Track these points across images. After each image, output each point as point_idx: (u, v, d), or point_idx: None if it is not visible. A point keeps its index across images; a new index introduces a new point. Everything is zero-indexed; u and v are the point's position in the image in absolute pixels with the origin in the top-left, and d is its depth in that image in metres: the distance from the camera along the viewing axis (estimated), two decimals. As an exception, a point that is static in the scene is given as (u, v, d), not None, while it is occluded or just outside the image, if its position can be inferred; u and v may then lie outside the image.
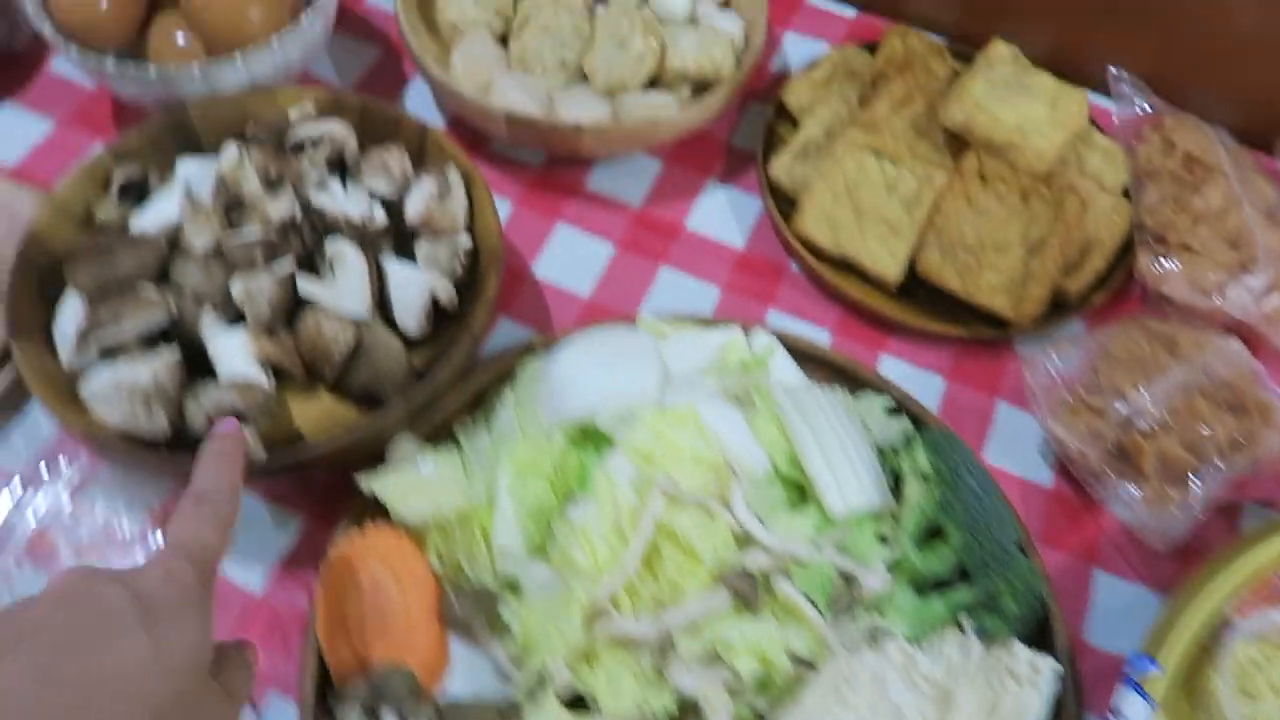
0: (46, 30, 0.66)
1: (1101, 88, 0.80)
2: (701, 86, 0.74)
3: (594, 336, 0.62)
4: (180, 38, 0.70)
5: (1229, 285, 0.68)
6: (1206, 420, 0.60)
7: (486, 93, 0.73)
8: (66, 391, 0.57)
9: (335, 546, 0.55)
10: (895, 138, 0.71)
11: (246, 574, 0.59)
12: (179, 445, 0.57)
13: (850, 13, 0.88)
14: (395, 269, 0.61)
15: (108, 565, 0.38)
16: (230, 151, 0.61)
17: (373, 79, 0.80)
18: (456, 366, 0.58)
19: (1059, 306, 0.69)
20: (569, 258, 0.72)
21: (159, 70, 0.65)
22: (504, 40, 0.77)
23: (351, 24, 0.83)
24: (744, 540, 0.54)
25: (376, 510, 0.55)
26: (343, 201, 0.63)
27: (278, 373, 0.60)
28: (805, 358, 0.64)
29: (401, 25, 0.73)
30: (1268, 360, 0.65)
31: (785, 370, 0.63)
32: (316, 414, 0.61)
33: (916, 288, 0.70)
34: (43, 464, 0.62)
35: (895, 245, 0.69)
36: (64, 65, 0.78)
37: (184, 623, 0.37)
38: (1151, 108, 0.76)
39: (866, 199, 0.70)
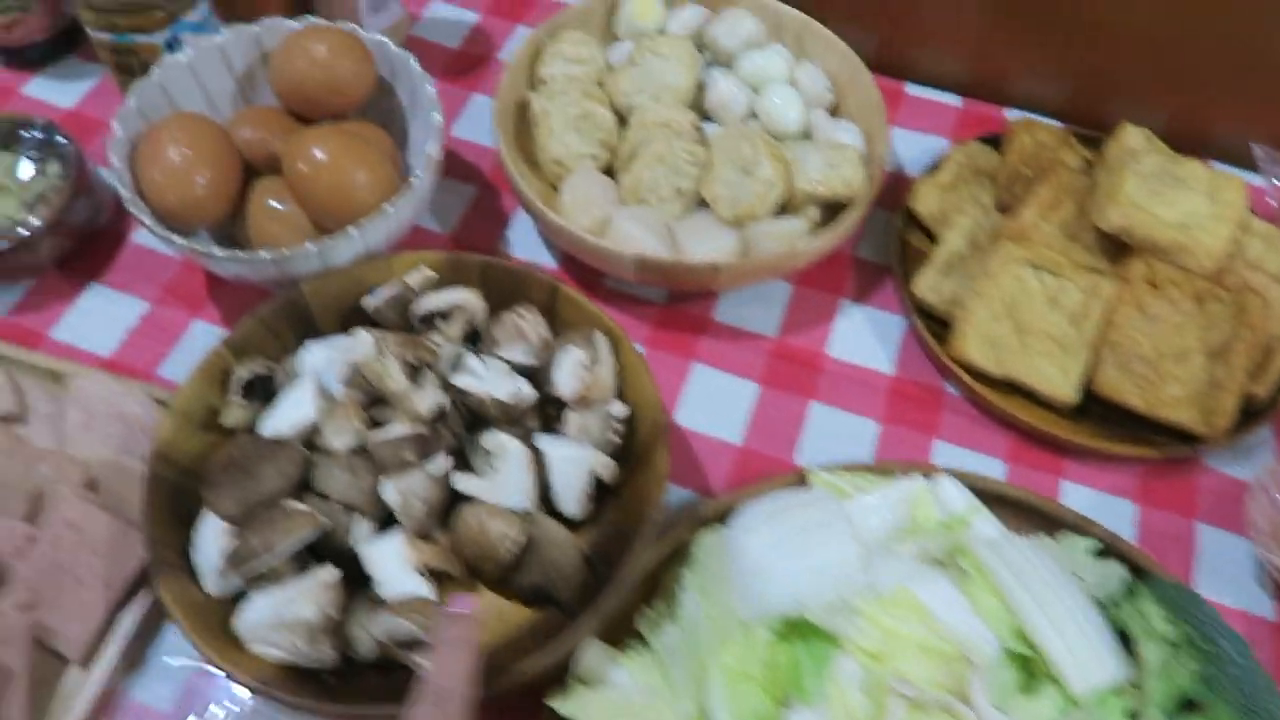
0: (147, 220, 0.61)
1: (1231, 163, 0.76)
2: (830, 204, 0.70)
3: (772, 505, 0.56)
4: (282, 210, 0.65)
5: None
6: None
7: (602, 231, 0.68)
8: (216, 624, 0.52)
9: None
10: (1050, 247, 0.66)
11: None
12: (343, 673, 0.52)
13: (955, 101, 0.84)
14: (554, 451, 0.56)
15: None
16: (364, 341, 0.57)
17: (472, 220, 0.75)
18: (641, 562, 0.53)
19: (1247, 413, 0.65)
20: (710, 401, 0.67)
21: (274, 254, 0.60)
22: (609, 172, 0.72)
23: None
24: (989, 737, 0.49)
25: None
26: (487, 382, 0.58)
27: (434, 574, 0.54)
28: (992, 499, 0.59)
29: (508, 168, 0.68)
30: None
31: (982, 521, 0.57)
32: (483, 614, 0.56)
33: (1088, 404, 0.65)
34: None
35: (1066, 363, 0.64)
36: (148, 238, 0.73)
37: None
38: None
39: (1028, 316, 0.65)
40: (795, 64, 0.76)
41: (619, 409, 0.59)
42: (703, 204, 0.70)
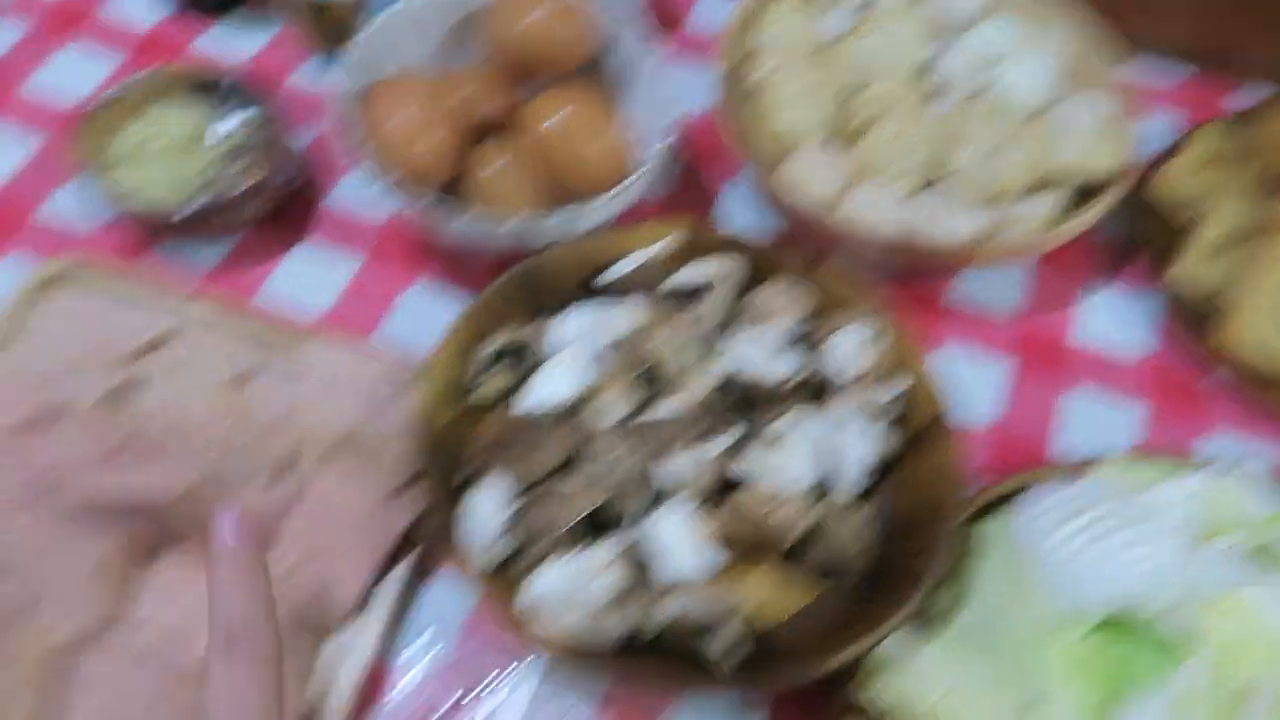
0: (382, 184, 0.58)
1: None
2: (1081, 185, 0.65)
3: (1062, 496, 0.53)
4: (507, 175, 0.62)
5: None
6: None
7: (833, 208, 0.65)
8: (495, 598, 0.49)
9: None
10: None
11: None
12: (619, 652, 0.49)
13: (1182, 72, 0.79)
14: (834, 433, 0.53)
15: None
16: (633, 314, 0.53)
17: (681, 193, 0.72)
18: (948, 550, 0.50)
19: None
20: (953, 387, 0.63)
21: (516, 222, 0.57)
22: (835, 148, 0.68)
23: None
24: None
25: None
26: (757, 359, 0.54)
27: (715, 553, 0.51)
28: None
29: (734, 140, 0.64)
30: None
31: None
32: (765, 591, 0.53)
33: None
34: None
35: (1355, 363, 0.60)
36: (345, 199, 0.70)
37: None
38: None
39: (1312, 309, 0.61)
40: (1029, 35, 0.71)
41: (893, 389, 0.55)
42: (938, 183, 0.66)
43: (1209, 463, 0.56)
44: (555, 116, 0.59)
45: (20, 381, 0.57)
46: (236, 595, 0.35)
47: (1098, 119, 0.67)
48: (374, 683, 0.53)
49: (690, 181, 0.72)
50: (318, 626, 0.52)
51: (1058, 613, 0.49)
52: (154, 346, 0.59)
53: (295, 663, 0.50)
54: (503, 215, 0.59)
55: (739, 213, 0.71)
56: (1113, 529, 0.50)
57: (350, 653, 0.52)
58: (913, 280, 0.68)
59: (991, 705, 0.47)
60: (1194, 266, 0.64)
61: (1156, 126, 0.75)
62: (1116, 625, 0.48)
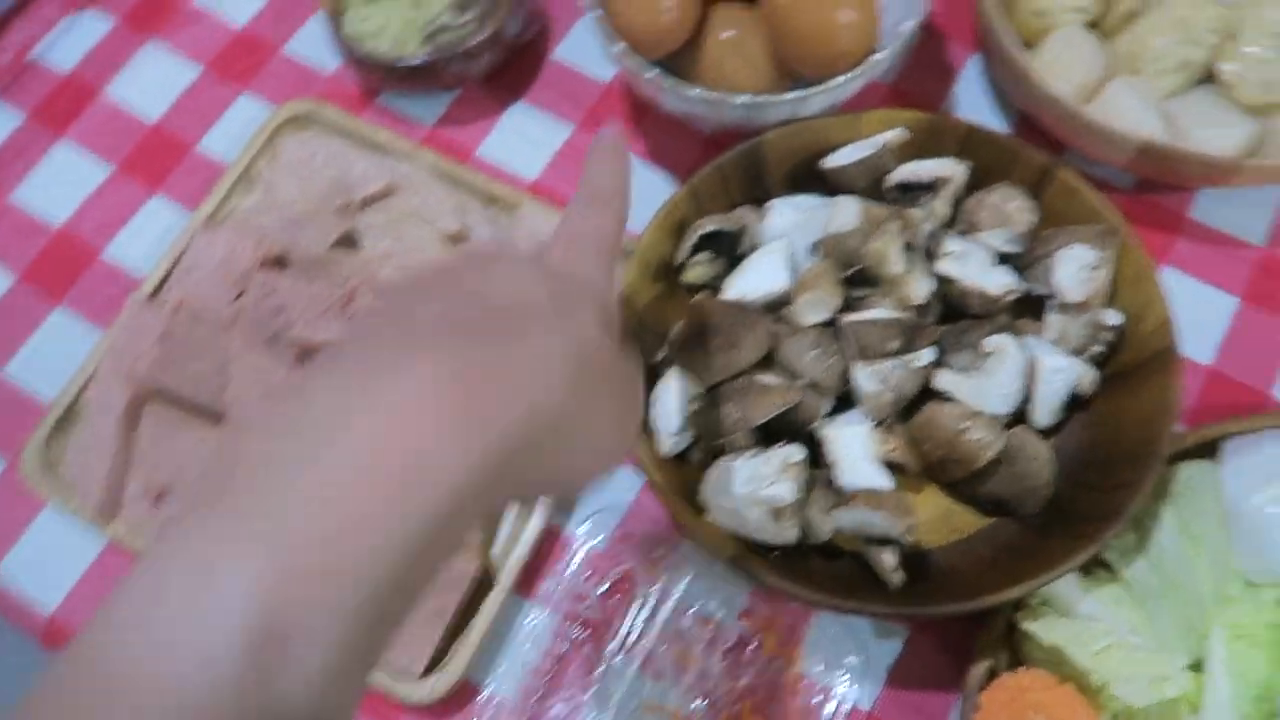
0: (618, 49, 0.57)
1: None
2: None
3: (1273, 448, 0.50)
4: (743, 45, 0.59)
5: None
6: None
7: (1088, 101, 0.60)
8: (676, 484, 0.52)
9: (991, 688, 0.48)
10: None
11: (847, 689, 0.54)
12: (790, 552, 0.51)
13: None
14: (1048, 360, 0.51)
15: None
16: (850, 210, 0.52)
17: (912, 70, 0.68)
18: (1142, 495, 0.48)
19: None
20: (1182, 312, 0.58)
21: (748, 99, 0.55)
22: (1098, 31, 0.63)
23: None
24: None
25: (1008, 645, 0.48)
26: (973, 270, 0.52)
27: (891, 467, 0.52)
28: None
29: (988, 13, 0.59)
30: None
31: None
32: (930, 514, 0.54)
33: None
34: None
35: None
36: (572, 55, 0.70)
37: (591, 280, 0.34)
38: None
39: None
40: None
41: (1113, 317, 0.53)
42: (1207, 81, 0.60)
43: None
44: (797, -19, 0.56)
45: (262, 223, 0.61)
46: (605, 168, 0.38)
47: None
48: (549, 546, 0.56)
49: (928, 59, 0.68)
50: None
51: (1244, 576, 0.47)
52: (383, 195, 0.62)
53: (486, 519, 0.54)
54: (732, 89, 0.57)
55: (974, 100, 0.66)
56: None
57: (528, 514, 0.56)
58: (1155, 190, 0.63)
59: (1153, 664, 0.46)
60: None
61: None
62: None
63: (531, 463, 0.29)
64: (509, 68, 0.69)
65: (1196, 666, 0.48)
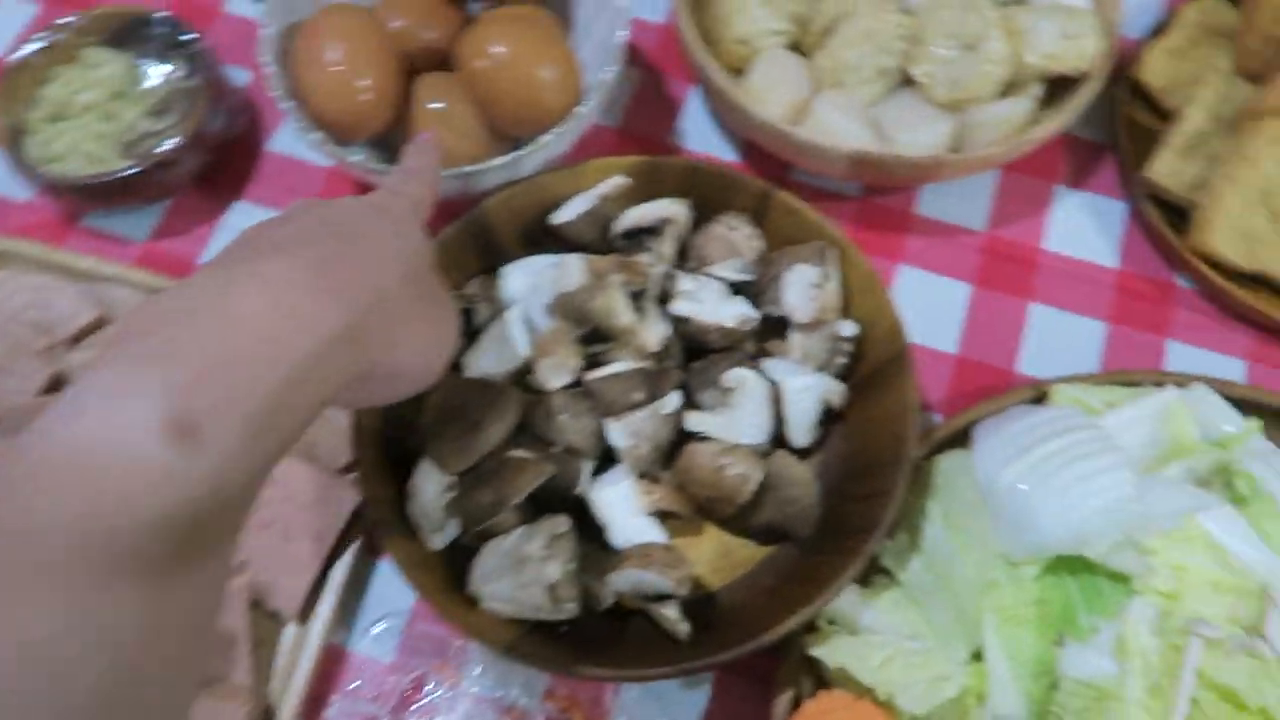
0: (314, 137, 0.55)
1: None
2: (1055, 80, 0.62)
3: (1018, 427, 0.52)
4: (451, 114, 0.58)
5: None
6: None
7: (798, 119, 0.61)
8: (444, 580, 0.49)
9: (794, 718, 0.48)
10: (1312, 120, 0.59)
11: (664, 744, 0.52)
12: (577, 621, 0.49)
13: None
14: (790, 381, 0.52)
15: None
16: (575, 267, 0.51)
17: (638, 109, 0.68)
18: (896, 502, 0.49)
19: None
20: (920, 306, 0.61)
21: (459, 170, 0.54)
22: (798, 50, 0.64)
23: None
24: (1287, 675, 0.46)
25: (810, 668, 0.48)
26: (708, 306, 0.53)
27: (662, 515, 0.52)
28: (1249, 407, 0.54)
29: (691, 50, 0.60)
30: None
31: (1253, 437, 0.53)
32: (711, 553, 0.54)
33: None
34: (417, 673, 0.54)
35: (1330, 255, 0.58)
36: (288, 145, 0.67)
37: (412, 220, 0.41)
38: None
39: (1288, 202, 0.58)
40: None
41: (848, 328, 0.54)
42: (906, 84, 0.63)
43: (1173, 377, 0.55)
44: (497, 44, 0.55)
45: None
46: (419, 155, 0.46)
47: (1080, 2, 0.63)
48: (330, 667, 0.53)
49: (649, 97, 0.69)
50: (272, 616, 0.53)
51: (1008, 556, 0.49)
52: (95, 327, 0.57)
53: (257, 654, 0.51)
54: (450, 160, 0.56)
55: (701, 131, 0.67)
56: (1067, 462, 0.49)
57: (305, 639, 0.52)
58: (881, 193, 0.65)
59: (932, 666, 0.47)
60: (1172, 162, 0.61)
61: (1139, 7, 0.70)
62: (1068, 564, 0.48)
63: (378, 337, 0.35)
64: (223, 167, 0.65)
65: (979, 656, 0.49)
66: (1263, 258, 0.59)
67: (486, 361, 0.52)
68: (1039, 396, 0.55)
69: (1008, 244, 0.63)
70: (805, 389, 0.52)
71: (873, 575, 0.52)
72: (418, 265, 0.39)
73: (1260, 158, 0.58)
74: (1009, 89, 0.61)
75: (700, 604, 0.51)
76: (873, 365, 0.54)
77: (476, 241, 0.56)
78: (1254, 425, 0.52)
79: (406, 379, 0.39)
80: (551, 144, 0.55)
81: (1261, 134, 0.58)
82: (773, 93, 0.61)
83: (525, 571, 0.47)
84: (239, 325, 0.30)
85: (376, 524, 0.49)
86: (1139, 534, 0.48)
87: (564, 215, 0.56)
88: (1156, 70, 0.64)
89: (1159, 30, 0.66)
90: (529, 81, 0.55)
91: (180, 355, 0.28)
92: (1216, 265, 0.59)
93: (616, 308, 0.50)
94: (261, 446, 0.29)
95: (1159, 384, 0.55)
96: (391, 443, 0.52)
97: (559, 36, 0.59)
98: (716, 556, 0.53)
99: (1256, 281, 0.60)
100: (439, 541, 0.50)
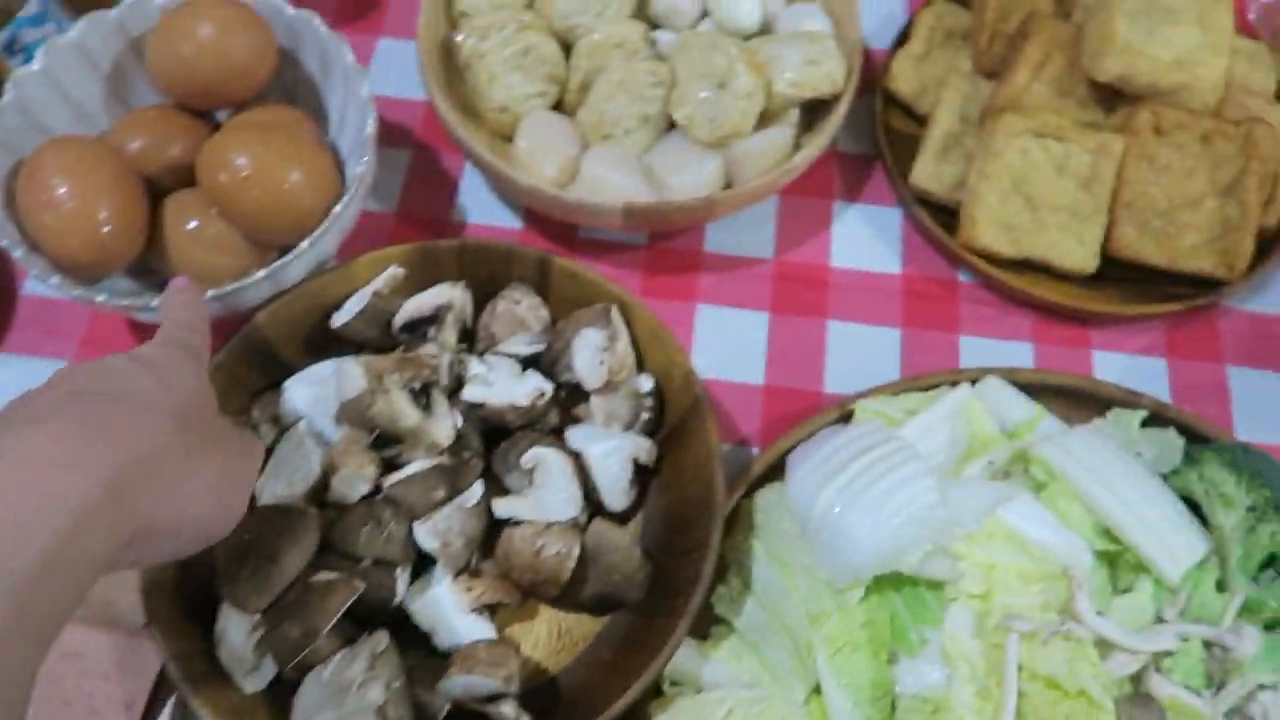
0: (52, 281, 0.52)
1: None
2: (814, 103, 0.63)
3: (825, 450, 0.53)
4: (205, 231, 0.56)
5: None
6: None
7: (571, 178, 0.61)
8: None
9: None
10: (1047, 108, 0.62)
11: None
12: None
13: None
14: (593, 448, 0.51)
15: None
16: (354, 374, 0.49)
17: (414, 189, 0.67)
18: (714, 552, 0.49)
19: (1260, 247, 0.63)
20: (723, 342, 0.62)
21: (218, 290, 0.52)
22: (561, 108, 0.65)
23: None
24: (1102, 646, 0.48)
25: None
26: (500, 387, 0.52)
27: (489, 607, 0.50)
28: (1038, 390, 0.57)
29: (452, 129, 0.59)
30: None
31: (1042, 421, 0.55)
32: (547, 635, 0.52)
33: (1104, 267, 0.62)
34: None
35: (1082, 232, 0.61)
36: (44, 286, 0.63)
37: (183, 368, 0.40)
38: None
39: (1038, 188, 0.61)
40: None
41: (645, 383, 0.54)
42: (673, 127, 0.63)
43: (965, 374, 0.57)
44: (240, 155, 0.53)
45: None
46: (180, 303, 0.44)
47: (822, 28, 0.65)
48: None
49: (425, 175, 0.67)
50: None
51: (832, 583, 0.49)
52: None
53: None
54: (214, 280, 0.53)
55: (482, 203, 0.67)
56: (874, 479, 0.50)
57: None
58: (667, 239, 0.65)
59: (775, 711, 0.47)
60: (931, 166, 0.64)
61: (882, 16, 0.73)
62: (891, 580, 0.49)
63: (147, 497, 0.34)
64: (-23, 315, 0.61)
65: (820, 689, 0.49)
66: (1026, 244, 0.61)
67: (278, 485, 0.50)
68: (845, 416, 0.56)
69: (796, 267, 0.65)
70: (610, 453, 0.52)
71: (712, 626, 0.52)
72: (194, 413, 0.38)
73: (1005, 151, 0.61)
74: (768, 118, 0.62)
75: (540, 692, 0.50)
76: (676, 415, 0.54)
77: (255, 359, 0.54)
78: (1039, 411, 0.55)
79: (202, 528, 0.37)
80: (312, 248, 0.53)
81: (1002, 129, 0.61)
82: (541, 156, 0.61)
83: (347, 701, 0.45)
84: None
85: (180, 681, 0.46)
86: (947, 539, 0.49)
87: (342, 317, 0.54)
88: (904, 78, 0.67)
89: (903, 39, 0.69)
90: (278, 189, 0.53)
91: None
92: (989, 257, 0.62)
93: (398, 410, 0.48)
94: (24, 627, 0.28)
95: (954, 383, 0.57)
96: (192, 590, 0.49)
97: (308, 134, 0.58)
98: (553, 637, 0.52)
99: (1028, 265, 0.63)
100: (257, 683, 0.48)
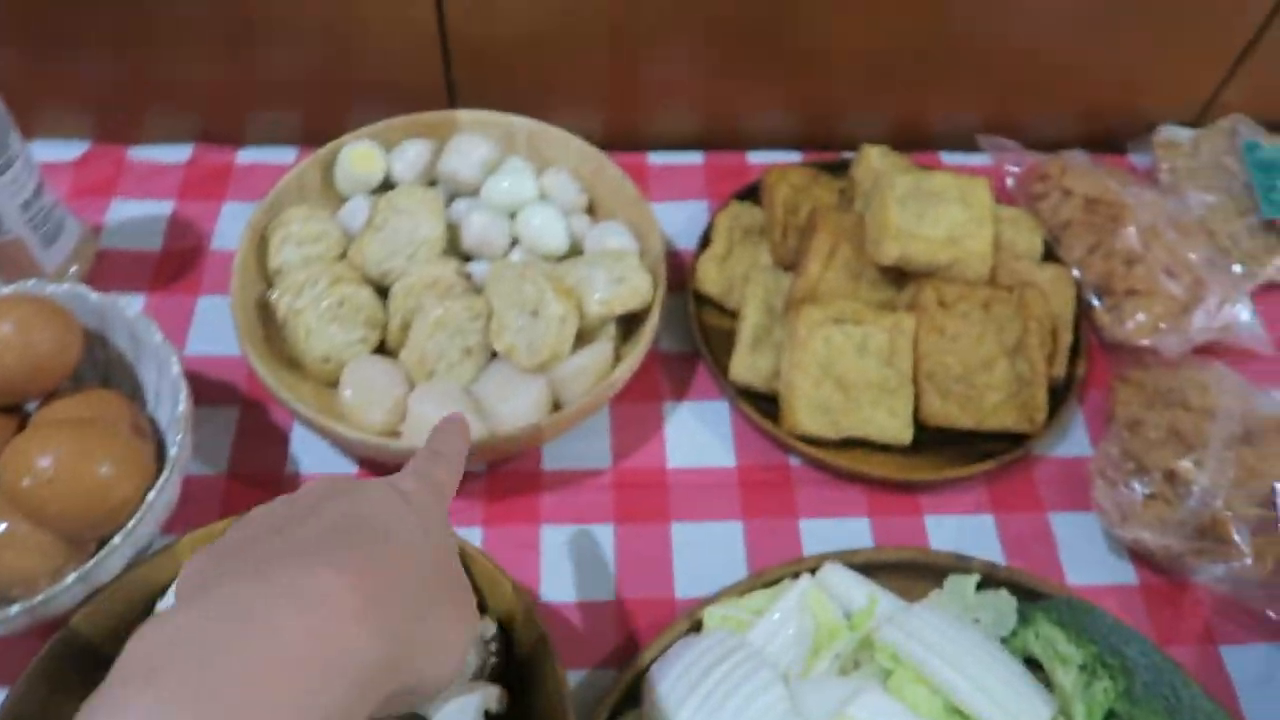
0: None
1: (956, 148, 0.81)
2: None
3: (680, 667, 0.53)
4: (9, 533, 0.53)
5: (1187, 314, 0.69)
6: (1259, 469, 0.61)
7: (399, 421, 0.62)
8: None
9: None
10: (841, 295, 0.67)
11: None
12: None
13: (697, 158, 0.83)
14: (444, 709, 0.50)
15: None
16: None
17: (244, 447, 0.66)
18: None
19: (1053, 396, 0.68)
20: (571, 562, 0.63)
21: (24, 603, 0.49)
22: (385, 350, 0.66)
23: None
24: (967, 836, 0.49)
25: None
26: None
27: None
28: (876, 569, 0.59)
29: (272, 389, 0.60)
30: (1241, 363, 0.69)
31: (882, 603, 0.57)
32: None
33: (923, 434, 0.66)
34: None
35: (894, 405, 0.65)
36: None
37: (436, 508, 0.39)
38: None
39: (846, 371, 0.65)
40: (539, 175, 0.72)
41: (488, 629, 0.53)
42: (496, 355, 0.65)
43: (805, 564, 0.58)
44: (43, 456, 0.52)
45: None
46: (446, 436, 0.45)
47: (626, 243, 0.69)
48: None
49: (255, 432, 0.67)
50: None
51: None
52: None
53: None
54: (16, 586, 0.51)
55: (312, 452, 0.66)
56: (729, 693, 0.50)
57: None
58: (504, 463, 0.66)
59: None
60: (746, 359, 0.67)
61: (686, 218, 0.78)
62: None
63: (416, 656, 0.32)
64: None
65: None
66: (844, 424, 0.65)
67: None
68: (696, 624, 0.57)
69: (635, 473, 0.66)
70: (459, 709, 0.50)
71: None
72: (443, 562, 0.37)
73: (810, 340, 0.65)
74: (586, 336, 0.65)
75: None
76: (522, 657, 0.53)
77: (75, 666, 0.51)
78: (874, 598, 0.56)
79: (433, 682, 0.34)
80: (128, 540, 0.52)
81: (803, 320, 0.65)
82: (368, 402, 0.62)
83: None
84: (278, 654, 0.26)
85: None
86: (800, 749, 0.49)
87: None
88: (710, 279, 0.71)
89: (707, 240, 0.74)
90: (87, 486, 0.52)
91: (208, 697, 0.25)
92: (814, 440, 0.65)
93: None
94: None
95: (796, 574, 0.58)
96: None
97: (121, 418, 0.57)
98: None
99: (851, 443, 0.66)
100: None
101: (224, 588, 0.29)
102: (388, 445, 0.58)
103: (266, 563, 0.30)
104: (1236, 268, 0.75)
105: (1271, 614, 0.59)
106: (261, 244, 0.67)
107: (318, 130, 0.77)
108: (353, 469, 0.66)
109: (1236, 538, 0.59)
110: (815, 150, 0.83)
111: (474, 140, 0.71)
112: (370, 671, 0.29)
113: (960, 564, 0.59)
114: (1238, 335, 0.70)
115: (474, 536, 0.63)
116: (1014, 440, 0.66)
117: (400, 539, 0.34)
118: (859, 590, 0.57)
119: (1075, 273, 0.72)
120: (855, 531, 0.64)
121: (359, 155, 0.70)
